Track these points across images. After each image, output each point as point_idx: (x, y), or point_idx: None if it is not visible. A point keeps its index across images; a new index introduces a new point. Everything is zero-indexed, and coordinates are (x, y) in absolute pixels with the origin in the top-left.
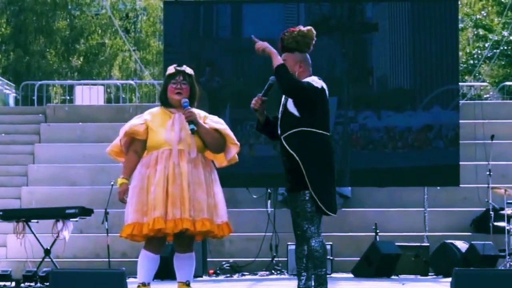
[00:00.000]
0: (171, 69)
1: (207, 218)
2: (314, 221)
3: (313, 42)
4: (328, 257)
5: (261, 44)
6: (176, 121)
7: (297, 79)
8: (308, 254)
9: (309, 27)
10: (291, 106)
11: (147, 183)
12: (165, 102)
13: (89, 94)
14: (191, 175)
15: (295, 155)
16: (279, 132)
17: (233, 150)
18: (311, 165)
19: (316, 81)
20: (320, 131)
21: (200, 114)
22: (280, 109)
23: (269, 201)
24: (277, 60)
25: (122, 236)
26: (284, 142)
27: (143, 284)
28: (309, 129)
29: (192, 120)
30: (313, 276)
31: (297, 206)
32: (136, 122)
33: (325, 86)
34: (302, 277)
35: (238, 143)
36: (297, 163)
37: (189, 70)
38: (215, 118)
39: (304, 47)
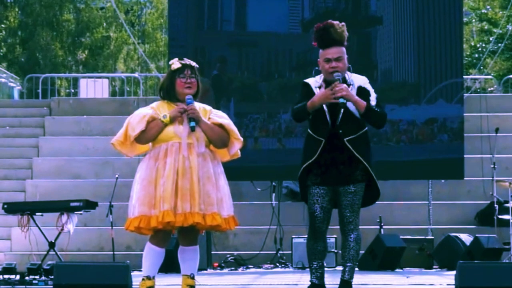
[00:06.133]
0: (177, 64)
1: (217, 212)
2: (359, 213)
3: None
4: (333, 250)
5: (340, 89)
6: (184, 114)
7: (382, 110)
8: (345, 246)
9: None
10: (353, 108)
11: (156, 175)
12: (173, 97)
13: (94, 87)
14: (201, 169)
15: (356, 153)
16: (339, 131)
17: (237, 145)
18: (370, 160)
19: (369, 84)
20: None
21: (205, 108)
22: (325, 107)
23: (273, 194)
24: (362, 101)
25: (128, 229)
26: (348, 144)
27: (148, 277)
28: (366, 128)
29: (194, 118)
30: (347, 267)
31: (352, 198)
32: (148, 112)
33: None
34: (317, 273)
35: (242, 139)
36: (354, 156)
37: (194, 64)
38: (219, 113)
39: None
